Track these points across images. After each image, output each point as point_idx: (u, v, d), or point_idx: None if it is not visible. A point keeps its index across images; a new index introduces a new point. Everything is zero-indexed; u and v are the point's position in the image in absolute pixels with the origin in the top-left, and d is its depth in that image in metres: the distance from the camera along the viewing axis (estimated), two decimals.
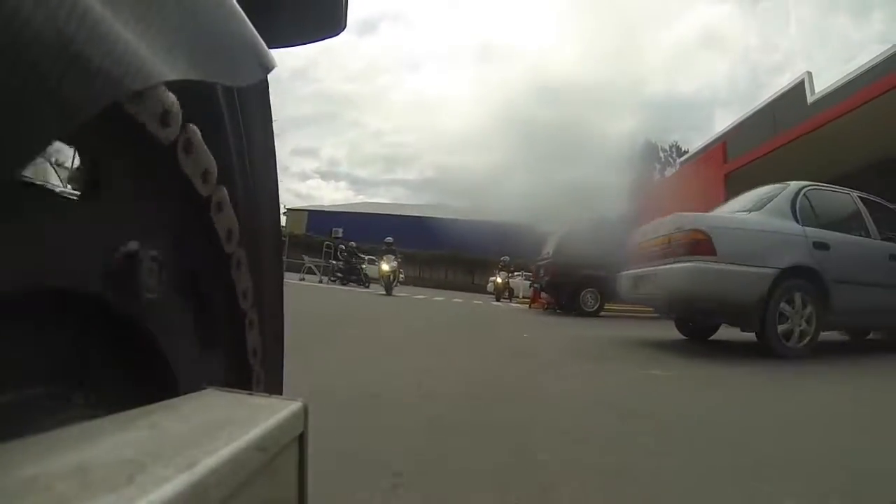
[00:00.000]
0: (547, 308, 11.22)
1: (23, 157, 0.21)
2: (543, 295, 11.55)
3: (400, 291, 13.78)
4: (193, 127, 0.34)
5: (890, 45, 8.41)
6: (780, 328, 3.86)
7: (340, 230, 21.34)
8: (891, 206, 4.82)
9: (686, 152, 19.47)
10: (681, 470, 1.44)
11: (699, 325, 5.12)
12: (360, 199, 55.94)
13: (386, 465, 1.35)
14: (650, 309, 6.20)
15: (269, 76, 0.42)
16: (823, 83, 9.96)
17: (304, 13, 0.63)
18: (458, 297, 15.41)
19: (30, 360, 0.27)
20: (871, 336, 5.65)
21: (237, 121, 0.40)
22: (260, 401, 0.32)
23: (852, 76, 9.13)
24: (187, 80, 0.29)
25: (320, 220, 32.13)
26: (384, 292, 12.36)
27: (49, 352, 0.28)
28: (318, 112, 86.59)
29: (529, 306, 12.70)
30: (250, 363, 0.45)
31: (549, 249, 10.66)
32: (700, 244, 3.91)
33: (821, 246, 4.05)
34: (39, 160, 0.22)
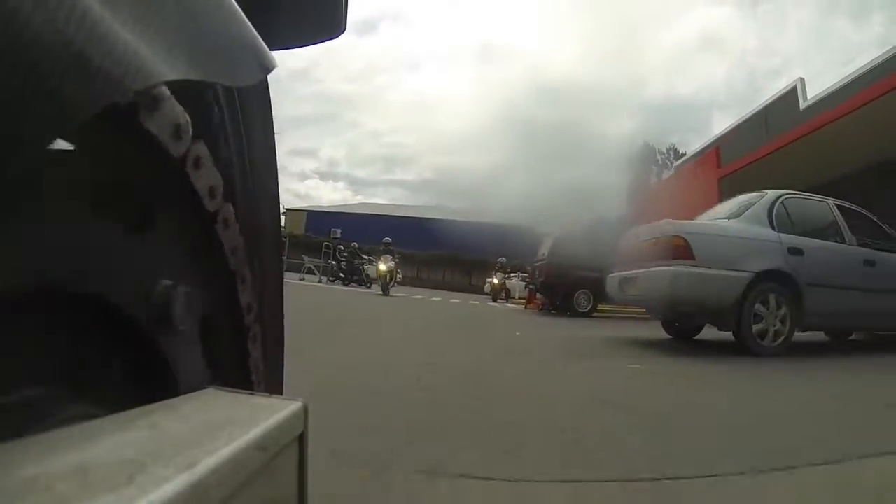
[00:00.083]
0: (542, 309, 11.36)
1: (23, 157, 0.21)
2: (538, 296, 11.70)
3: (398, 292, 13.81)
4: (195, 128, 0.34)
5: (882, 52, 8.51)
6: (756, 328, 4.10)
7: (339, 231, 21.28)
8: (867, 213, 5.02)
9: (683, 154, 19.53)
10: (620, 428, 1.89)
11: (684, 326, 5.32)
12: (359, 199, 55.98)
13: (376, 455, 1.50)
14: (642, 310, 6.41)
15: (269, 76, 0.42)
16: (823, 85, 10.04)
17: (304, 15, 0.63)
18: (455, 298, 15.50)
19: (30, 360, 0.27)
20: (852, 337, 5.82)
21: (237, 121, 0.40)
22: (260, 401, 0.32)
23: (843, 83, 9.23)
24: (187, 81, 0.29)
25: (319, 220, 32.11)
26: (381, 292, 12.36)
27: (49, 352, 0.28)
28: (317, 112, 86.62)
29: (525, 307, 12.85)
30: (250, 363, 0.45)
31: (544, 251, 10.86)
32: (680, 249, 4.20)
33: (795, 251, 4.29)
34: (41, 159, 0.22)
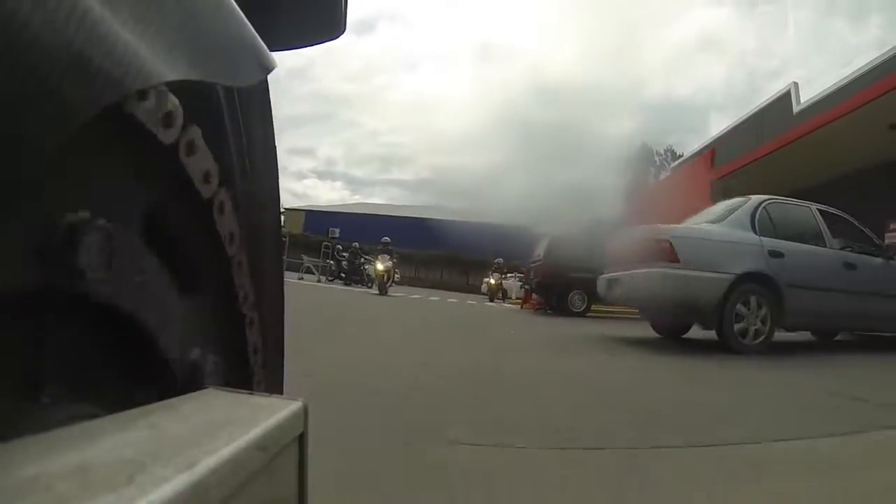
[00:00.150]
0: (538, 309, 11.49)
1: (23, 157, 0.21)
2: (534, 296, 11.85)
3: (396, 291, 13.82)
4: (196, 128, 0.34)
5: (876, 55, 8.60)
6: (737, 327, 4.29)
7: (337, 230, 21.31)
8: (850, 218, 5.20)
9: (681, 156, 19.59)
10: (578, 400, 2.46)
11: (672, 324, 5.48)
12: (356, 199, 55.95)
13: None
14: (634, 310, 6.53)
15: (267, 75, 0.42)
16: (822, 86, 10.10)
17: (304, 16, 0.63)
18: (452, 298, 15.59)
19: (29, 360, 0.27)
20: (838, 337, 5.94)
21: (237, 121, 0.40)
22: (260, 401, 0.32)
23: (835, 87, 9.35)
24: (187, 81, 0.29)
25: (317, 220, 32.08)
26: (377, 292, 12.33)
27: (49, 352, 0.28)
28: (315, 111, 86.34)
29: (521, 307, 12.97)
30: (250, 363, 0.45)
31: (539, 252, 11.00)
32: (665, 252, 4.41)
33: (776, 254, 4.48)
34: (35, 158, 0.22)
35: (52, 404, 0.27)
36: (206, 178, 0.36)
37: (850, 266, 4.75)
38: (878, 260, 5.00)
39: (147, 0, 0.27)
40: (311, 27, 0.65)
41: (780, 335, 5.17)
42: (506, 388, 2.66)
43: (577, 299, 10.13)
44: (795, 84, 10.75)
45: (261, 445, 0.26)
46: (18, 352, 0.26)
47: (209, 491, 0.21)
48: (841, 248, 4.88)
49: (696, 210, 5.73)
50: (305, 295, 9.17)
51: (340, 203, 44.67)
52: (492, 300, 16.95)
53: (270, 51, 0.40)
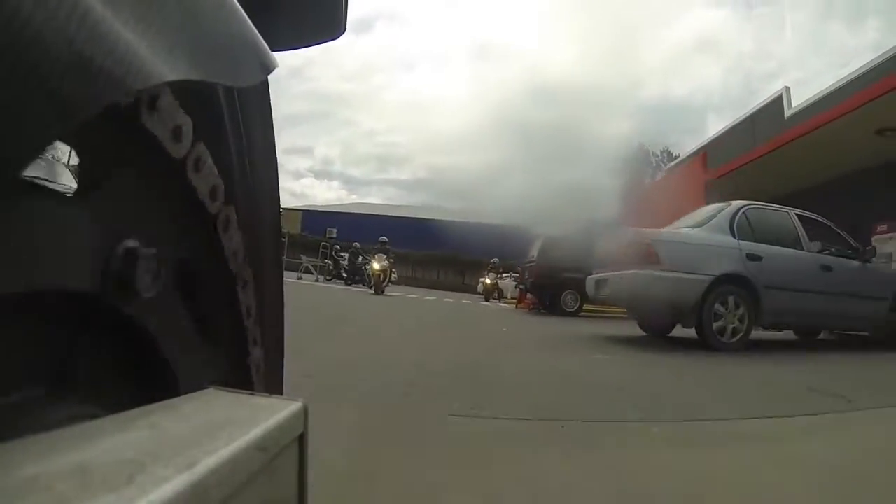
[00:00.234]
0: (532, 308, 11.63)
1: (23, 157, 0.21)
2: (528, 296, 12.03)
3: (393, 291, 13.82)
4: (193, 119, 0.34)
5: (871, 59, 8.74)
6: (715, 325, 4.55)
7: (335, 230, 21.26)
8: (828, 223, 5.46)
9: (677, 157, 19.65)
10: (560, 388, 2.76)
11: (657, 323, 5.71)
12: (353, 198, 55.91)
13: None
14: (624, 310, 6.76)
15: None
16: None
17: (304, 16, 0.63)
18: (448, 297, 15.67)
19: (29, 360, 0.27)
20: (821, 336, 6.14)
21: (237, 121, 0.40)
22: (260, 401, 0.32)
23: (826, 92, 9.51)
24: (188, 81, 0.29)
25: (315, 219, 32.01)
26: (373, 292, 12.28)
27: (49, 352, 0.28)
28: (312, 111, 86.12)
29: (516, 306, 13.14)
30: (250, 363, 0.45)
31: (533, 252, 11.21)
32: (647, 254, 4.69)
33: (754, 257, 4.73)
34: (43, 160, 0.22)
35: (52, 404, 0.27)
36: (213, 193, 0.36)
37: (826, 268, 4.97)
38: (855, 263, 5.22)
39: (147, 0, 0.27)
40: (311, 27, 0.65)
41: (765, 334, 5.68)
42: (496, 378, 2.93)
43: (569, 299, 10.35)
44: (787, 88, 10.97)
45: (261, 446, 0.26)
46: (18, 352, 0.26)
47: (209, 491, 0.21)
48: (819, 252, 5.08)
49: (689, 211, 5.89)
50: (304, 294, 9.18)
51: (337, 203, 44.64)
52: (487, 300, 17.03)
53: (271, 51, 0.40)
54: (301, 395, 0.33)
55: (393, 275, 14.39)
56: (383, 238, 13.60)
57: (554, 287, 10.42)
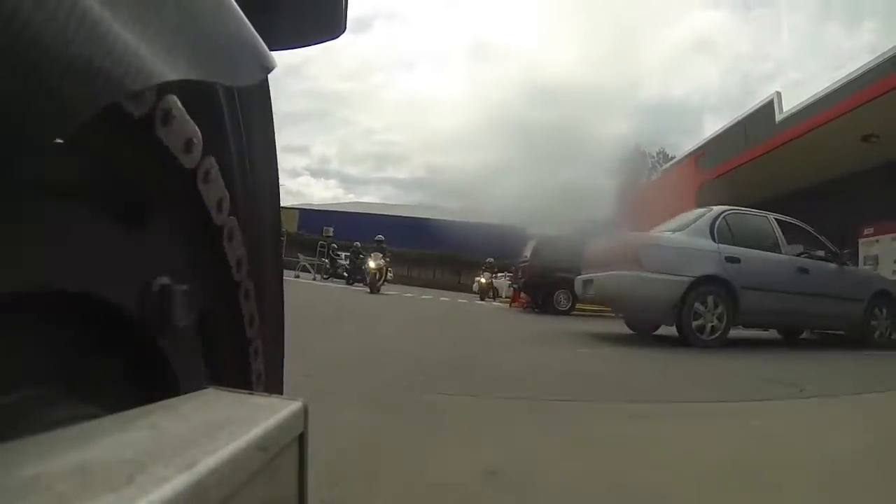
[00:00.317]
0: (526, 307, 11.76)
1: (23, 158, 0.21)
2: (522, 295, 12.17)
3: (389, 290, 13.80)
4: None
5: (865, 62, 8.83)
6: (695, 324, 4.81)
7: (331, 229, 21.16)
8: (807, 227, 5.75)
9: (673, 158, 19.73)
10: (546, 377, 3.09)
11: (643, 322, 6.01)
12: (350, 197, 55.94)
13: None
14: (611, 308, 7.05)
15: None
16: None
17: (304, 15, 0.63)
18: (444, 296, 15.78)
19: (30, 360, 0.27)
20: (803, 336, 6.41)
21: (237, 121, 0.40)
22: (260, 401, 0.32)
23: (814, 99, 9.62)
24: (188, 81, 0.29)
25: (312, 218, 31.94)
26: (368, 290, 12.22)
27: (49, 352, 0.28)
28: (310, 109, 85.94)
29: (510, 305, 13.29)
30: (250, 363, 0.45)
31: (527, 252, 11.39)
32: (630, 257, 4.99)
33: (732, 259, 5.00)
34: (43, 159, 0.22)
35: (52, 404, 0.27)
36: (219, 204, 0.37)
37: (803, 270, 5.25)
38: (832, 265, 5.51)
39: (147, 0, 0.27)
40: (311, 26, 0.65)
41: (747, 333, 6.05)
42: (486, 369, 3.21)
43: (562, 298, 10.52)
44: (778, 93, 11.15)
45: (261, 445, 0.26)
46: (18, 352, 0.26)
47: (209, 491, 0.21)
48: (798, 255, 5.37)
49: (682, 212, 6.09)
50: (302, 293, 9.19)
51: (334, 201, 44.60)
52: (482, 299, 17.15)
53: (270, 50, 0.40)
54: (301, 395, 0.33)
55: (389, 273, 14.34)
56: (380, 237, 13.56)
57: (547, 286, 10.62)
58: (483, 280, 18.32)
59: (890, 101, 7.13)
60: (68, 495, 0.19)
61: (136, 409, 0.27)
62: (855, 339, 5.62)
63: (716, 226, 5.20)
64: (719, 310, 4.86)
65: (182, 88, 0.31)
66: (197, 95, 0.33)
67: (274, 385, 0.51)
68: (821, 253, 5.58)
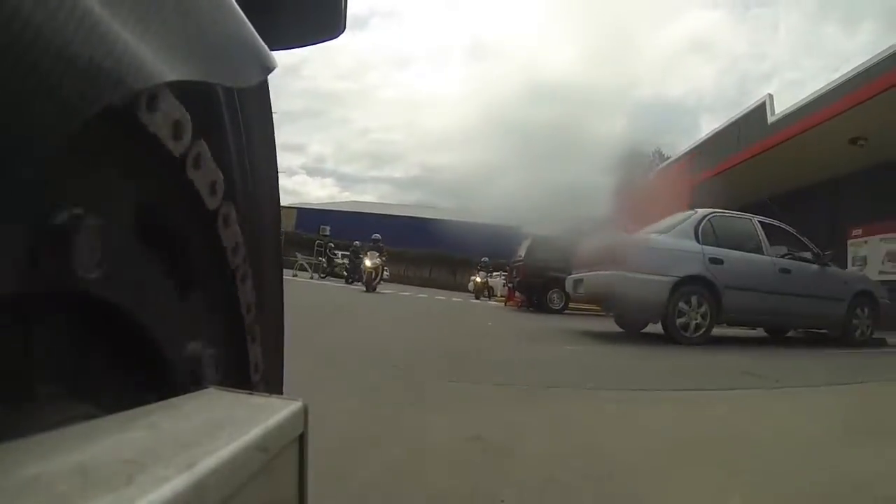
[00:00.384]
0: (520, 306, 11.88)
1: (23, 157, 0.21)
2: (517, 294, 12.30)
3: (385, 288, 13.78)
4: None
5: (845, 72, 8.99)
6: (679, 321, 5.00)
7: (328, 228, 21.11)
8: (790, 229, 5.95)
9: (668, 158, 19.80)
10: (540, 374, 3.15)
11: (631, 320, 6.18)
12: (346, 196, 55.88)
13: None
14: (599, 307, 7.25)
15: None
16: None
17: (304, 15, 0.63)
18: (440, 295, 15.82)
19: (30, 361, 0.27)
20: (790, 334, 6.55)
21: (237, 122, 0.40)
22: (260, 401, 0.32)
23: (805, 101, 9.74)
24: (188, 81, 0.29)
25: (309, 217, 31.86)
26: (364, 289, 12.18)
27: (49, 352, 0.28)
28: (306, 108, 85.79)
29: (504, 304, 13.38)
30: (250, 363, 0.45)
31: (521, 252, 11.53)
32: (617, 257, 5.20)
33: (715, 260, 5.19)
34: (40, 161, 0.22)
35: (51, 404, 0.27)
36: (213, 188, 0.36)
37: (785, 271, 5.44)
38: (814, 266, 5.68)
39: (147, 0, 0.27)
40: (311, 26, 0.65)
41: (733, 332, 6.35)
42: (481, 362, 3.49)
43: (555, 297, 10.68)
44: (770, 96, 11.29)
45: (261, 446, 0.26)
46: (18, 352, 0.26)
47: (209, 491, 0.21)
48: (781, 256, 5.57)
49: (676, 212, 6.21)
50: (299, 292, 9.17)
51: (329, 200, 44.53)
52: (477, 298, 17.17)
53: (270, 50, 0.40)
54: (300, 390, 0.33)
55: (385, 272, 14.31)
56: (376, 235, 13.51)
57: (541, 285, 10.78)
58: (478, 279, 18.35)
59: (876, 105, 7.28)
60: (68, 495, 0.19)
61: (136, 409, 0.27)
62: (837, 337, 5.80)
63: (700, 228, 5.38)
64: (703, 308, 5.04)
65: (182, 88, 0.31)
66: (197, 95, 0.33)
67: (274, 385, 0.51)
68: (804, 254, 5.76)
